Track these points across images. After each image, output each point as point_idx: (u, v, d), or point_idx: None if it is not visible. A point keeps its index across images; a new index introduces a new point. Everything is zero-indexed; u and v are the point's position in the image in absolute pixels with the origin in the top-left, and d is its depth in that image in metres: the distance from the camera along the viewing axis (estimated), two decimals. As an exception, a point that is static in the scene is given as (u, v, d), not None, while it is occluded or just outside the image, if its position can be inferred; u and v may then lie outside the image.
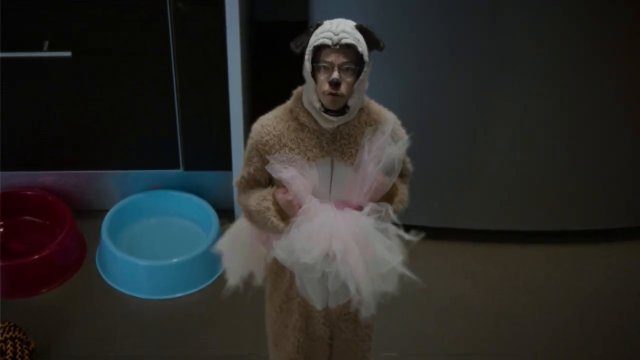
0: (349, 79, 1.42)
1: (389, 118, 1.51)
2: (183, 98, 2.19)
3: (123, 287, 2.24)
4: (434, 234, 2.24)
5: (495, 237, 2.36)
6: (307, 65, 1.43)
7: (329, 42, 1.41)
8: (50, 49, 2.07)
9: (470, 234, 2.36)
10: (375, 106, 1.52)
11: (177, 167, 2.30)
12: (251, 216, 1.53)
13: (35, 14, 2.06)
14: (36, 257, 2.20)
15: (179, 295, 2.22)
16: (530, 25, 2.04)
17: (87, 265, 2.29)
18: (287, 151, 1.47)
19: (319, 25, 1.44)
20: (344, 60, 1.41)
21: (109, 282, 2.26)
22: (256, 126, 1.51)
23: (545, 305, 2.22)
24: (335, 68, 1.41)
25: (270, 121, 1.50)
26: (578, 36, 2.05)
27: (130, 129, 2.24)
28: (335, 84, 1.40)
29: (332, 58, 1.41)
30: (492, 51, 2.07)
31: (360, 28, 1.43)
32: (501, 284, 2.26)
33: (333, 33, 1.41)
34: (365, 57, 1.42)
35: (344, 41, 1.40)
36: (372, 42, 1.44)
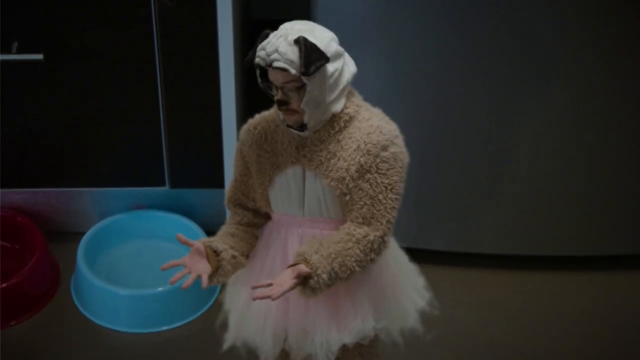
0: (296, 96, 1.43)
1: (381, 126, 1.47)
2: (169, 106, 2.17)
3: (101, 320, 2.21)
4: (452, 259, 2.33)
5: (521, 264, 2.34)
6: (259, 81, 1.46)
7: (262, 63, 1.42)
8: (19, 51, 2.06)
9: (493, 260, 2.34)
10: (366, 114, 1.50)
11: (163, 184, 2.28)
12: None
13: (1, 10, 2.03)
14: (4, 285, 2.16)
15: (164, 328, 2.19)
16: (557, 32, 2.05)
17: (61, 295, 2.27)
18: (263, 153, 1.51)
19: (266, 35, 1.44)
20: (283, 80, 1.42)
21: (85, 313, 2.23)
22: (243, 128, 1.56)
23: (579, 339, 2.19)
24: (278, 88, 1.44)
25: (255, 121, 1.55)
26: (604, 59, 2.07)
27: (109, 142, 2.22)
28: (281, 104, 1.43)
29: (272, 78, 1.44)
30: (514, 68, 2.08)
31: (299, 43, 1.40)
32: (530, 316, 2.24)
33: (266, 53, 1.42)
34: (305, 76, 1.41)
35: (275, 64, 1.41)
36: (308, 61, 1.40)
